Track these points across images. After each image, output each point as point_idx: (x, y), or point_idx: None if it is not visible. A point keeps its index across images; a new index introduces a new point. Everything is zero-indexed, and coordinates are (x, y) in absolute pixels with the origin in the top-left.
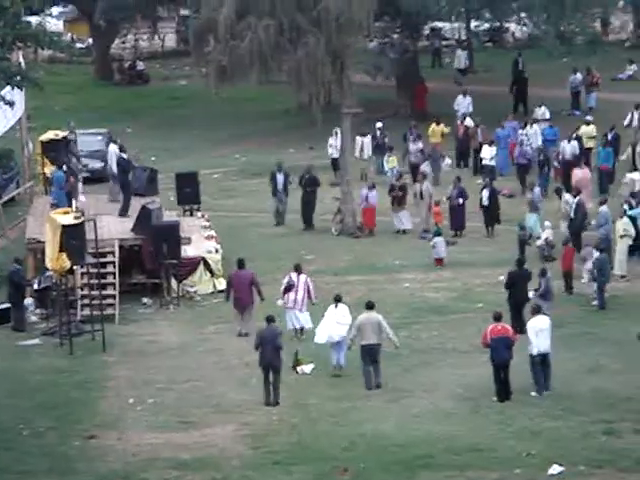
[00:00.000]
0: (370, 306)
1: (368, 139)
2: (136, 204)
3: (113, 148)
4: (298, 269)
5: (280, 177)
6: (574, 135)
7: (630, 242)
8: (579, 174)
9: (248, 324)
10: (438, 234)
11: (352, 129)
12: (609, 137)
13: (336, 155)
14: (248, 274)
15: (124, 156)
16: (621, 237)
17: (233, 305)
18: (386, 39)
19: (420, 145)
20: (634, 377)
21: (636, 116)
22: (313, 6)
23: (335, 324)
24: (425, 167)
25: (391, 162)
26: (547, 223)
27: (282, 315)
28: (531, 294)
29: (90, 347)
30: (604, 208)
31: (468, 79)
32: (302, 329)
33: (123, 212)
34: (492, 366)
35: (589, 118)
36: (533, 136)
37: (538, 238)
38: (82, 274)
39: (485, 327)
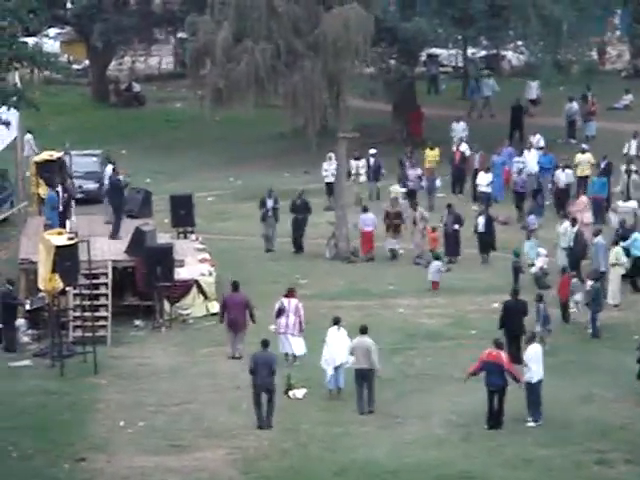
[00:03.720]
0: (363, 331)
1: (363, 163)
2: (130, 226)
3: (110, 169)
4: (290, 293)
5: (270, 203)
6: (568, 164)
7: (623, 271)
8: (579, 201)
9: (240, 346)
10: (437, 258)
11: (347, 153)
12: (602, 165)
13: (330, 180)
14: (242, 297)
15: (119, 177)
16: (613, 266)
17: (226, 327)
18: (383, 64)
19: (419, 171)
20: (627, 406)
21: (634, 144)
22: (310, 30)
23: (339, 347)
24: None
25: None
26: (542, 251)
27: (275, 341)
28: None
29: (81, 369)
30: (599, 239)
31: (463, 106)
32: (294, 355)
33: (114, 234)
34: (487, 391)
35: (585, 146)
36: (530, 162)
37: (532, 265)
38: (74, 295)
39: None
